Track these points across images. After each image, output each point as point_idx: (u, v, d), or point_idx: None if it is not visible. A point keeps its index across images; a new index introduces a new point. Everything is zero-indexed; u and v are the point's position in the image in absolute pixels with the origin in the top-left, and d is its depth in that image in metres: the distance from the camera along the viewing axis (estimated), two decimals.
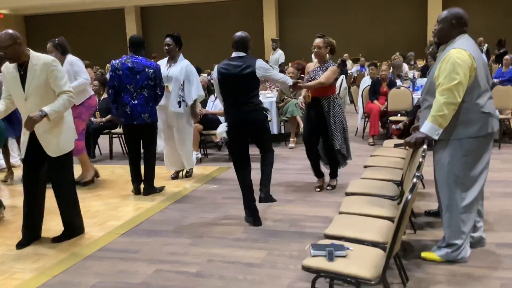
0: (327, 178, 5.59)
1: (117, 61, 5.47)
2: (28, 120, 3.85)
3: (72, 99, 4.04)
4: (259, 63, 4.44)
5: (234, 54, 4.49)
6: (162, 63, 6.02)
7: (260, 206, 4.68)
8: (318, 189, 5.46)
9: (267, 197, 4.60)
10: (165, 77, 5.84)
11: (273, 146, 4.77)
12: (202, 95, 6.08)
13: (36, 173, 4.21)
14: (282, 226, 4.44)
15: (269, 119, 5.82)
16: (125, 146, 6.20)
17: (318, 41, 5.24)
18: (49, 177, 4.25)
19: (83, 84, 5.76)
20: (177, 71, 5.87)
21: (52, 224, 4.69)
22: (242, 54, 4.47)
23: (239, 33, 4.53)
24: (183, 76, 5.87)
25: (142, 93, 5.40)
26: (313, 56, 5.85)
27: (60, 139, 4.14)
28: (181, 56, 5.98)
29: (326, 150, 5.40)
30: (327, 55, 5.32)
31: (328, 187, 5.49)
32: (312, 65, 5.43)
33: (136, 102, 5.39)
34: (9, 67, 4.05)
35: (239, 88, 4.42)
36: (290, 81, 4.81)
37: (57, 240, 4.30)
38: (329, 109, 5.23)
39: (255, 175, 4.66)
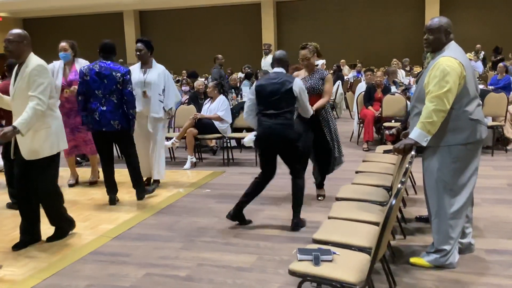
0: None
1: (85, 67, 5.30)
2: (1, 135, 3.82)
3: (39, 107, 3.91)
4: (298, 81, 4.50)
5: (275, 69, 4.62)
6: (135, 68, 5.84)
7: (253, 209, 4.69)
8: (321, 198, 5.38)
9: (297, 223, 4.53)
10: (142, 83, 5.71)
11: None
12: (179, 100, 6.01)
13: (26, 177, 4.18)
14: (273, 231, 4.46)
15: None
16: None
17: (304, 52, 5.10)
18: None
19: None
20: (155, 76, 5.75)
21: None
22: (281, 70, 4.59)
23: (278, 52, 4.72)
24: (163, 82, 5.79)
25: (111, 99, 5.17)
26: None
27: (34, 143, 4.07)
28: (153, 61, 5.86)
29: (322, 158, 5.30)
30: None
31: (320, 198, 5.40)
32: (302, 73, 5.25)
33: (105, 108, 5.16)
34: (15, 68, 4.18)
35: (274, 100, 4.45)
36: (310, 114, 4.79)
37: (50, 239, 4.37)
38: (327, 117, 5.22)
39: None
